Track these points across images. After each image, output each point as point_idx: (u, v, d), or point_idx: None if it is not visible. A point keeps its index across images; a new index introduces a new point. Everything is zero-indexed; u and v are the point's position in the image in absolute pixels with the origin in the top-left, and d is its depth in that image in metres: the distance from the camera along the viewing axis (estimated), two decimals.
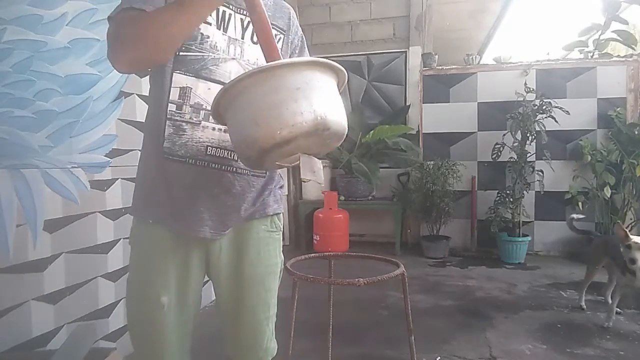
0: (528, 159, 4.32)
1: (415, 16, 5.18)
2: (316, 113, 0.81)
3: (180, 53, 1.03)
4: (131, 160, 2.17)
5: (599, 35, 4.75)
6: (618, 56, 4.71)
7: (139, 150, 1.17)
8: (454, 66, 4.94)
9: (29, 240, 1.70)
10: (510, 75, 4.69)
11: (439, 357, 2.31)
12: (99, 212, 2.05)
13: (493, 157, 4.45)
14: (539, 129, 4.22)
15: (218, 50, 1.07)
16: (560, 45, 5.24)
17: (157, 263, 1.11)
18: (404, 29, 5.25)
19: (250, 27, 1.09)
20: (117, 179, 2.14)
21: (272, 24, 1.01)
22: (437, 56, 4.98)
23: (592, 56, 4.71)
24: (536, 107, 4.26)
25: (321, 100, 0.83)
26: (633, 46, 4.66)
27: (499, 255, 4.45)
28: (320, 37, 5.42)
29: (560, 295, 3.32)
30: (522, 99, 4.32)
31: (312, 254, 2.07)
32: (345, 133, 0.90)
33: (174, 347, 1.13)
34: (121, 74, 2.08)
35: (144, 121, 1.16)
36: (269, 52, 0.94)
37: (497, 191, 4.47)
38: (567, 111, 4.19)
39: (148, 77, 1.14)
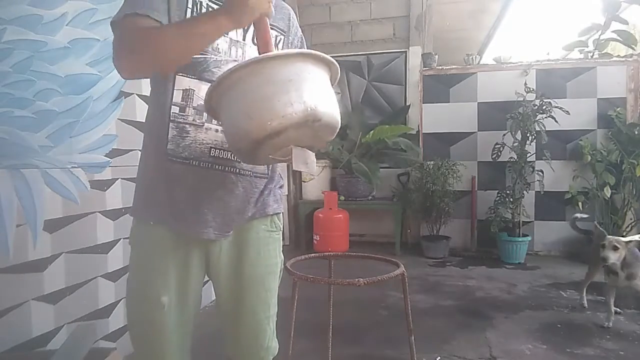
0: (528, 159, 4.32)
1: (415, 16, 5.18)
2: (306, 104, 0.81)
3: None
4: (131, 160, 2.17)
5: (599, 35, 4.75)
6: (618, 56, 4.71)
7: (139, 150, 1.17)
8: (454, 66, 4.93)
9: (29, 240, 1.70)
10: (510, 75, 4.69)
11: (439, 357, 2.31)
12: (99, 212, 2.05)
13: (493, 157, 4.44)
14: (539, 129, 4.22)
15: (220, 52, 1.07)
16: (560, 45, 5.25)
17: (158, 263, 1.11)
18: (404, 29, 5.25)
19: (252, 28, 1.10)
20: (117, 179, 2.14)
21: (272, 25, 1.01)
22: (437, 56, 4.98)
23: (592, 56, 4.71)
24: (536, 107, 4.26)
25: (312, 92, 0.83)
26: (633, 46, 4.66)
27: (499, 255, 4.44)
28: (320, 37, 5.42)
29: (560, 295, 3.32)
30: (522, 99, 4.32)
31: (312, 254, 2.07)
32: (338, 126, 0.90)
33: (174, 347, 1.13)
34: None
35: (144, 121, 1.16)
36: (264, 48, 0.95)
37: (497, 191, 4.47)
38: (567, 111, 4.19)
39: (149, 78, 1.14)
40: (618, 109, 4.39)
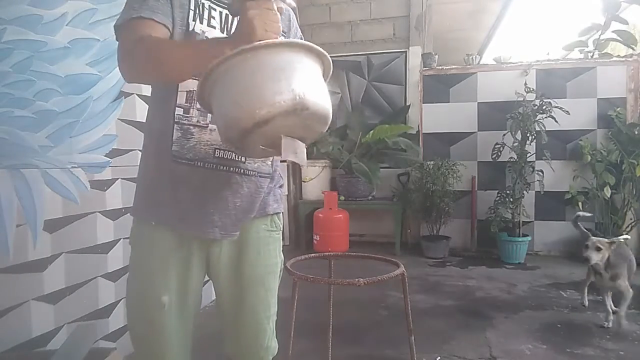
0: (528, 159, 4.32)
1: (415, 16, 5.18)
2: (295, 92, 0.81)
3: None
4: (131, 160, 2.17)
5: (599, 35, 4.75)
6: (618, 56, 4.71)
7: (139, 150, 1.17)
8: (454, 66, 4.93)
9: (29, 240, 1.70)
10: (510, 75, 4.69)
11: (439, 357, 2.31)
12: (99, 212, 2.05)
13: (493, 157, 4.44)
14: (539, 129, 4.22)
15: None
16: (560, 45, 5.25)
17: (158, 263, 1.11)
18: (404, 29, 5.25)
19: None
20: (117, 179, 2.14)
21: None
22: (437, 56, 4.98)
23: (592, 56, 4.71)
24: (536, 107, 4.25)
25: (301, 81, 0.83)
26: (633, 46, 4.66)
27: (499, 255, 4.44)
28: (320, 37, 5.41)
29: (560, 295, 3.32)
30: (522, 99, 4.32)
31: (312, 254, 2.07)
32: (328, 116, 0.89)
33: (175, 346, 1.13)
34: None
35: (144, 122, 1.16)
36: None
37: (497, 191, 4.47)
38: (567, 111, 4.18)
39: None
40: (618, 109, 4.39)
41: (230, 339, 1.23)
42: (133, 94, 2.22)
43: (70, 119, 1.87)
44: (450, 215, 4.59)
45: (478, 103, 4.82)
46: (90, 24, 1.95)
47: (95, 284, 2.04)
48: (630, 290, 2.64)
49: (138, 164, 1.17)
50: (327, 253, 2.32)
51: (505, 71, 4.74)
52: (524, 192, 4.31)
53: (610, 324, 2.67)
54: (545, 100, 4.24)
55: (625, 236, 2.91)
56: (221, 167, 1.08)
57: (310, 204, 4.91)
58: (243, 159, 1.10)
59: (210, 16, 1.08)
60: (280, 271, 1.27)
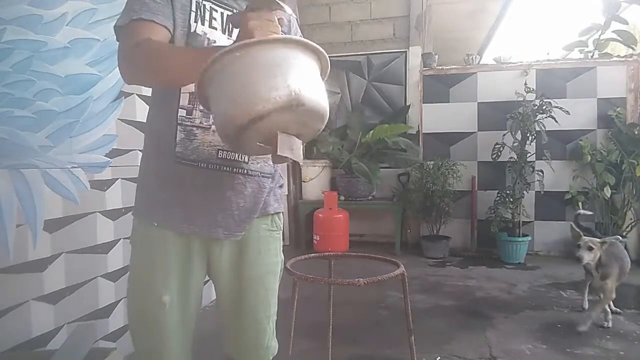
0: (528, 159, 4.32)
1: (415, 16, 5.18)
2: (290, 88, 0.80)
3: None
4: (131, 160, 2.17)
5: (599, 35, 4.75)
6: (618, 56, 4.71)
7: (139, 150, 1.17)
8: (454, 66, 4.94)
9: (29, 240, 1.70)
10: (510, 75, 4.69)
11: (439, 357, 2.31)
12: (99, 212, 2.05)
13: (493, 157, 4.44)
14: (539, 129, 4.22)
15: None
16: (560, 45, 5.25)
17: (159, 263, 1.11)
18: (404, 29, 5.25)
19: None
20: (117, 179, 2.14)
21: None
22: (437, 56, 4.98)
23: (592, 56, 4.71)
24: (536, 107, 4.26)
25: (297, 77, 0.82)
26: (633, 46, 4.66)
27: (499, 255, 4.44)
28: (320, 37, 5.41)
29: (560, 295, 3.32)
30: (522, 99, 4.32)
31: (312, 254, 2.07)
32: (324, 113, 0.89)
33: (175, 346, 1.13)
34: None
35: (144, 122, 1.16)
36: None
37: (497, 191, 4.47)
38: (567, 111, 4.19)
39: None
40: (618, 109, 4.39)
41: (230, 339, 1.23)
42: (133, 94, 2.22)
43: (70, 119, 1.87)
44: (450, 215, 4.59)
45: (478, 103, 4.82)
46: (90, 24, 1.95)
47: (95, 284, 2.04)
48: (614, 293, 2.66)
49: (138, 164, 1.17)
50: (327, 253, 2.32)
51: (505, 71, 4.74)
52: (524, 192, 4.31)
53: (610, 324, 2.67)
54: (545, 100, 4.24)
55: (616, 237, 2.92)
56: (224, 168, 1.08)
57: (310, 204, 4.91)
58: (246, 159, 1.10)
59: (211, 17, 1.08)
60: (281, 271, 1.27)
